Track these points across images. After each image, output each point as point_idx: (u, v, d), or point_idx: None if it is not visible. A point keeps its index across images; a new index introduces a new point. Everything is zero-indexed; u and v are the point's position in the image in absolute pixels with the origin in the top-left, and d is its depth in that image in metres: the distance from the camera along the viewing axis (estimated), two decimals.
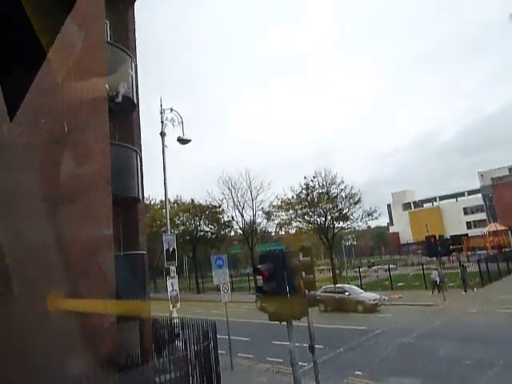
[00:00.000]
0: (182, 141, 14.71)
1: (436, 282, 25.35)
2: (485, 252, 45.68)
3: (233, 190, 40.57)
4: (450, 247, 28.36)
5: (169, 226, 14.28)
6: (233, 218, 42.51)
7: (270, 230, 48.14)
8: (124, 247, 10.66)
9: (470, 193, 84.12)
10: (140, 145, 11.88)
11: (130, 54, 11.55)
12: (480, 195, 76.63)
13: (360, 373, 11.68)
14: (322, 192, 34.08)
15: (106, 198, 8.32)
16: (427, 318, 18.94)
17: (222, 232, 46.73)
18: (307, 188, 34.51)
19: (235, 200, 40.57)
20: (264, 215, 40.75)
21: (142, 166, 11.60)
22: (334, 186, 33.87)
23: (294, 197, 35.24)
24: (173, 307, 12.30)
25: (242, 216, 40.78)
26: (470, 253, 49.97)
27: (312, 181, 34.28)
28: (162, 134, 14.13)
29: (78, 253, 7.26)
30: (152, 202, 50.41)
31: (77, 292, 6.92)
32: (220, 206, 43.67)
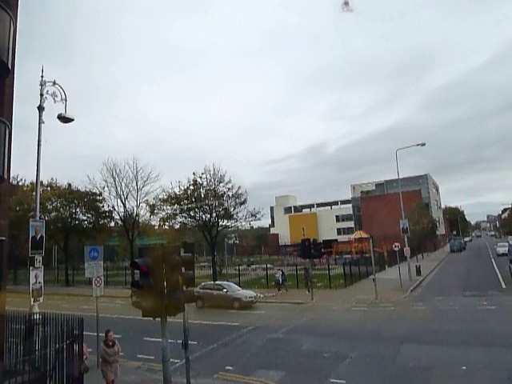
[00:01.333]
0: (64, 119, 13.37)
1: (279, 281, 28.52)
2: (350, 256, 50.92)
3: (117, 178, 38.30)
4: (322, 250, 30.99)
5: (38, 211, 12.80)
6: (114, 207, 40.19)
7: (153, 223, 46.71)
8: None
9: (343, 202, 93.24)
10: (11, 116, 10.47)
11: (10, 12, 10.10)
12: (351, 205, 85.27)
13: (231, 367, 12.01)
14: (209, 189, 34.26)
15: None
16: (296, 314, 20.37)
17: (101, 222, 43.80)
18: (195, 184, 34.35)
19: (118, 189, 38.39)
20: (148, 208, 39.36)
21: (10, 140, 10.21)
22: (222, 185, 34.32)
23: (182, 191, 34.76)
24: (34, 301, 11.08)
25: (125, 206, 38.80)
26: (337, 256, 55.34)
27: (200, 177, 34.26)
28: (40, 108, 12.65)
29: None
30: (21, 183, 45.03)
31: None
32: (101, 194, 40.87)
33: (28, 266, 11.66)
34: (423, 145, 32.31)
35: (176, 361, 11.49)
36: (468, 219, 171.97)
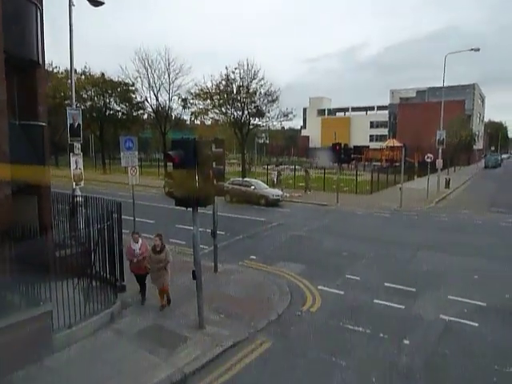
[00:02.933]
0: (94, 1, 12.82)
1: (274, 181, 30.03)
2: (380, 164, 50.46)
3: (149, 69, 37.56)
4: (352, 156, 30.70)
5: (74, 99, 13.00)
6: (147, 99, 40.12)
7: (184, 117, 46.85)
8: (20, 116, 9.62)
9: (380, 108, 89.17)
10: None
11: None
12: (387, 112, 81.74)
13: (254, 257, 12.99)
14: (241, 85, 33.28)
15: None
16: (320, 215, 21.12)
17: (134, 113, 44.24)
18: (227, 79, 33.33)
19: (151, 81, 37.88)
20: (180, 102, 39.14)
21: (42, 24, 9.99)
22: (255, 82, 33.18)
23: (214, 87, 33.99)
24: (76, 185, 11.89)
25: (157, 99, 38.67)
26: (367, 163, 54.86)
27: (233, 72, 33.06)
28: None
29: None
30: (55, 71, 44.99)
31: None
32: (134, 85, 40.59)
33: (68, 152, 12.27)
34: (477, 50, 29.49)
35: (205, 247, 12.46)
36: (511, 136, 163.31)
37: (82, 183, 12.09)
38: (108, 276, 8.98)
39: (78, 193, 11.80)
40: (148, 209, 20.62)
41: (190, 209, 7.31)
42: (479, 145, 79.16)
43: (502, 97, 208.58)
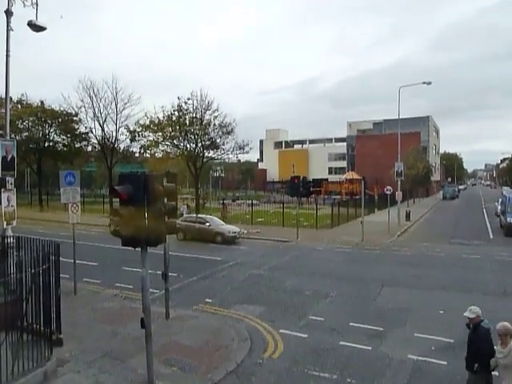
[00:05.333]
0: (35, 26, 12.61)
1: (182, 214, 30.36)
2: (339, 197, 51.90)
3: (94, 99, 37.25)
4: (311, 189, 31.49)
5: (8, 130, 12.48)
6: (91, 130, 39.44)
7: (133, 150, 46.27)
8: None
9: (337, 140, 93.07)
10: None
11: None
12: (345, 144, 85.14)
13: (210, 300, 12.66)
14: (195, 116, 33.62)
15: None
16: (280, 252, 21.14)
17: (77, 145, 43.19)
18: (180, 110, 33.59)
19: (96, 110, 37.50)
20: (128, 133, 38.74)
21: None
22: (209, 113, 33.70)
23: (165, 118, 34.05)
24: (7, 224, 11.20)
25: (103, 130, 38.17)
26: (326, 196, 56.29)
27: (186, 103, 33.43)
28: (8, 13, 11.84)
29: None
30: None
31: None
32: (77, 115, 39.93)
33: None
34: (429, 83, 31.81)
35: (155, 291, 12.02)
36: (465, 167, 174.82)
37: (15, 222, 11.42)
38: (42, 328, 8.35)
39: (10, 233, 11.10)
40: (91, 250, 19.80)
41: (138, 249, 7.06)
42: (436, 176, 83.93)
43: (455, 128, 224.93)
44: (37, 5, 12.31)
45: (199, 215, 27.10)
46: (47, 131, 41.54)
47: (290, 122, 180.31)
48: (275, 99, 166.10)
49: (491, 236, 27.09)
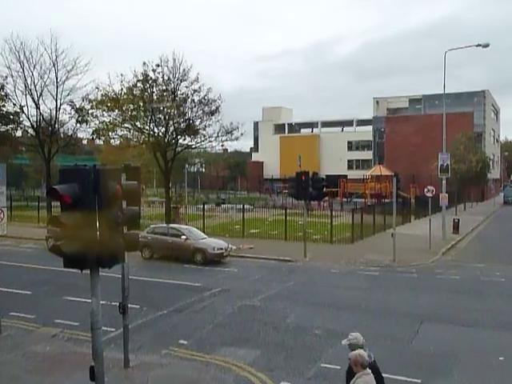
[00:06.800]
0: None
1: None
2: (363, 200, 52.12)
3: (26, 65, 37.03)
4: (324, 190, 31.50)
5: None
6: (22, 108, 39.17)
7: (81, 136, 46.06)
8: None
9: (360, 123, 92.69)
10: None
11: None
12: (371, 128, 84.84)
13: (185, 342, 12.63)
14: (165, 89, 33.55)
15: None
16: (281, 275, 21.15)
17: (1, 129, 42.92)
18: (146, 80, 33.47)
19: (29, 81, 37.30)
20: (74, 113, 38.58)
21: None
22: (185, 84, 33.63)
23: (124, 90, 33.91)
24: None
25: (38, 108, 37.95)
26: (345, 199, 56.50)
27: (154, 70, 33.30)
28: None
29: None
30: None
31: None
32: (2, 88, 39.65)
33: None
34: (486, 46, 31.96)
35: (111, 329, 11.95)
36: None
37: None
38: None
39: None
40: (22, 273, 19.69)
41: (87, 272, 7.03)
42: (495, 173, 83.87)
43: None
44: None
45: (172, 225, 27.05)
46: None
47: (296, 98, 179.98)
48: (277, 69, 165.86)
49: None
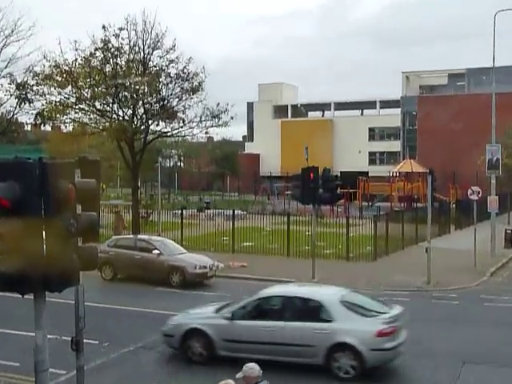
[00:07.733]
0: None
1: None
2: (388, 205, 52.06)
3: None
4: (338, 191, 31.40)
5: None
6: None
7: (23, 119, 46.02)
8: None
9: (385, 104, 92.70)
10: None
11: None
12: (399, 111, 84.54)
13: None
14: (133, 60, 33.42)
15: None
16: None
17: None
18: (106, 48, 33.33)
19: None
20: (14, 89, 38.53)
21: None
22: (159, 54, 33.55)
23: (80, 61, 33.83)
24: None
25: None
26: (366, 203, 56.40)
27: (117, 35, 33.15)
28: None
29: None
30: None
31: None
32: None
33: None
34: None
35: (60, 372, 11.92)
36: None
37: None
38: None
39: None
40: None
41: (29, 296, 7.01)
42: None
43: None
44: None
45: (141, 236, 27.02)
46: None
47: (302, 72, 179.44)
48: (279, 35, 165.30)
49: None
